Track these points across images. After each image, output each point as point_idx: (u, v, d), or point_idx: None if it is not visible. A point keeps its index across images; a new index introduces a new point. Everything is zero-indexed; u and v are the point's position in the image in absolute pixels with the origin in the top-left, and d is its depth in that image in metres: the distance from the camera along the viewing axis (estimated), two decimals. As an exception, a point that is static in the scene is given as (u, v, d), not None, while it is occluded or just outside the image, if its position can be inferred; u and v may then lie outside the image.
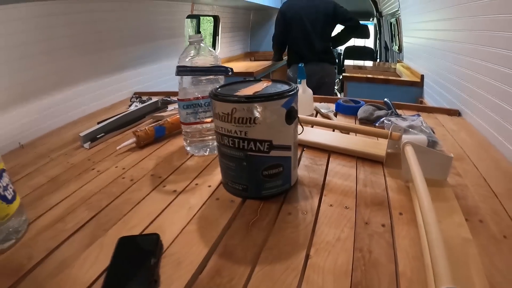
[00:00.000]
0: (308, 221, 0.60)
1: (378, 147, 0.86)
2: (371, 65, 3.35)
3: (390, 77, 2.40)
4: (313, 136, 0.93)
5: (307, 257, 0.51)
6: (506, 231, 0.56)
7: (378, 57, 5.97)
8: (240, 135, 0.62)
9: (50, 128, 1.42)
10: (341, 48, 6.28)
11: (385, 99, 1.24)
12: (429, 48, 2.08)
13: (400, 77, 2.56)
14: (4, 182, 0.61)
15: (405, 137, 0.84)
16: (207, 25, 3.95)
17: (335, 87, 4.06)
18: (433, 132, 0.97)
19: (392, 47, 4.22)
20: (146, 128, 1.08)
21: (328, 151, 0.89)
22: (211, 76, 0.88)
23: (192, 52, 0.88)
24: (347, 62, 3.65)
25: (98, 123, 1.30)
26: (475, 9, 1.23)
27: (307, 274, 0.48)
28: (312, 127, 1.05)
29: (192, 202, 0.70)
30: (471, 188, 0.71)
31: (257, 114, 0.59)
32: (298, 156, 0.86)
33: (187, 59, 0.87)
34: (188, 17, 2.90)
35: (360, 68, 3.13)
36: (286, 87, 0.66)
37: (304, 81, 1.19)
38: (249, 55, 4.63)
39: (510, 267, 0.48)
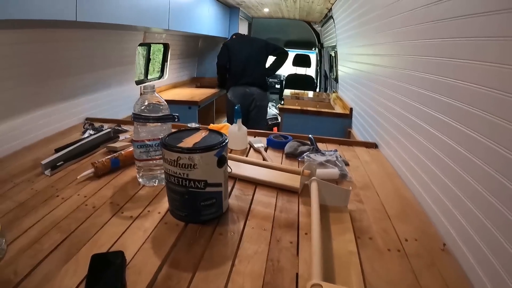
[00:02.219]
0: (234, 239, 0.83)
1: (296, 180, 1.08)
2: (310, 95, 3.64)
3: (322, 109, 2.68)
4: (243, 170, 1.15)
5: (232, 265, 0.73)
6: (390, 245, 0.81)
7: (318, 85, 6.34)
8: (183, 176, 0.83)
9: (7, 152, 1.51)
10: (284, 75, 6.59)
11: (309, 136, 1.46)
12: (357, 80, 2.34)
13: (333, 108, 2.85)
14: None
15: (319, 171, 1.09)
16: (157, 52, 4.09)
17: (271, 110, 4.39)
18: (347, 165, 1.22)
19: (330, 76, 4.58)
20: (103, 160, 1.25)
21: (255, 183, 1.12)
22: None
23: (146, 101, 1.08)
24: (286, 91, 3.93)
25: (56, 150, 1.44)
26: (392, 47, 1.46)
27: (232, 277, 0.70)
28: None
29: (146, 226, 0.90)
30: (369, 212, 0.95)
31: (196, 161, 0.81)
32: (230, 187, 1.08)
33: (142, 107, 1.07)
34: (140, 45, 3.05)
35: (297, 98, 3.43)
36: (218, 138, 0.88)
37: (239, 120, 1.41)
38: (195, 81, 4.80)
39: (387, 271, 0.72)
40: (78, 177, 1.20)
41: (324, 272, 0.63)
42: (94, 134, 1.65)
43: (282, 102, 3.41)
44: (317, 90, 5.94)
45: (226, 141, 0.87)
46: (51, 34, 1.79)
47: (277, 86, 6.37)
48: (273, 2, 4.30)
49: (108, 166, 1.25)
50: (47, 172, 1.27)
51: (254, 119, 3.30)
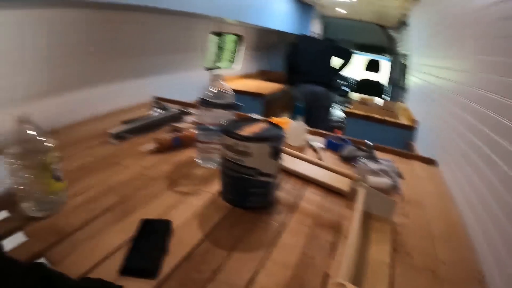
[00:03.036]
0: (275, 229, 0.86)
1: (346, 183, 1.09)
2: (378, 102, 3.58)
3: (386, 118, 2.62)
4: (297, 166, 1.17)
5: (268, 252, 0.77)
6: (426, 264, 0.79)
7: (388, 93, 6.13)
8: (238, 162, 0.88)
9: (79, 119, 1.66)
10: (355, 79, 6.48)
11: (367, 142, 1.44)
12: (426, 93, 2.27)
13: (397, 118, 2.79)
14: (58, 166, 0.86)
15: (370, 178, 1.09)
16: (229, 42, 4.18)
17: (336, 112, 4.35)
18: (400, 177, 1.20)
19: (400, 85, 4.46)
20: (167, 137, 1.33)
21: (306, 180, 1.14)
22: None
23: (213, 88, 1.13)
24: (355, 95, 3.89)
25: (123, 122, 1.55)
26: (470, 63, 1.37)
27: (265, 263, 0.73)
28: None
29: (195, 203, 0.96)
30: (412, 228, 0.93)
31: (251, 150, 0.85)
32: (282, 181, 1.11)
33: (208, 93, 1.12)
34: (213, 33, 3.16)
35: (364, 103, 3.39)
36: (276, 131, 0.92)
37: (300, 117, 1.43)
38: (264, 74, 4.87)
39: (414, 284, 0.73)
40: (140, 149, 1.29)
41: (352, 275, 0.64)
42: (161, 112, 1.75)
43: (349, 106, 3.40)
44: (386, 98, 5.75)
45: (283, 135, 0.90)
46: (129, 17, 1.94)
47: (347, 89, 6.25)
48: (348, 4, 4.25)
49: (170, 144, 1.33)
50: (114, 141, 1.38)
51: (316, 118, 3.24)
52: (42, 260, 0.69)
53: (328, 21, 6.11)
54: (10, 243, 0.73)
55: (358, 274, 0.71)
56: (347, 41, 5.23)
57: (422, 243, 0.87)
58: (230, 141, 0.87)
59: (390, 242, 0.84)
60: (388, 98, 5.48)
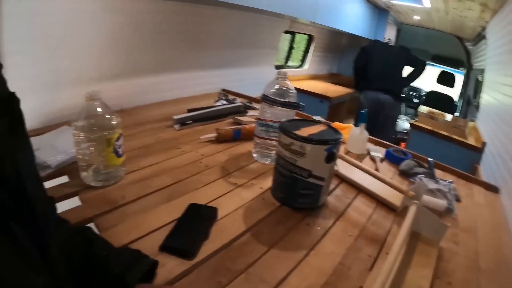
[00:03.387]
0: (318, 233, 0.84)
1: (399, 198, 1.04)
2: (447, 118, 3.39)
3: (453, 136, 2.46)
4: (351, 173, 1.14)
5: (306, 255, 0.75)
6: None
7: (459, 109, 5.75)
8: (291, 161, 0.87)
9: (147, 102, 1.77)
10: (425, 91, 6.17)
11: (429, 159, 1.37)
12: (499, 114, 2.11)
13: (466, 137, 2.63)
14: (120, 142, 0.92)
15: (425, 197, 1.04)
16: (301, 42, 4.18)
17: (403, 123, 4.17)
18: (458, 201, 1.13)
19: (473, 103, 4.19)
20: (227, 128, 1.36)
21: (359, 189, 1.11)
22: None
23: (276, 85, 1.14)
24: (423, 108, 3.72)
25: (188, 110, 1.61)
26: None
27: (301, 265, 0.72)
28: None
29: (245, 195, 0.97)
30: (459, 256, 0.85)
31: (306, 151, 0.84)
32: (334, 186, 1.09)
33: (271, 90, 1.13)
34: (285, 32, 3.17)
35: (432, 117, 3.22)
36: (333, 135, 0.90)
37: (363, 125, 1.39)
38: (333, 77, 4.80)
39: None
40: (201, 137, 1.33)
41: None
42: (226, 104, 1.79)
43: (416, 118, 3.25)
44: (457, 114, 5.38)
45: (340, 139, 0.88)
46: (208, 10, 2.03)
47: (416, 100, 5.95)
48: (424, 10, 4.05)
49: (230, 135, 1.36)
50: (176, 126, 1.44)
51: (380, 128, 3.17)
52: (90, 225, 0.74)
53: (402, 28, 5.84)
54: (65, 205, 0.79)
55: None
56: (421, 51, 4.97)
57: (467, 274, 0.80)
58: (287, 139, 0.87)
59: (433, 268, 0.78)
60: (459, 115, 5.14)
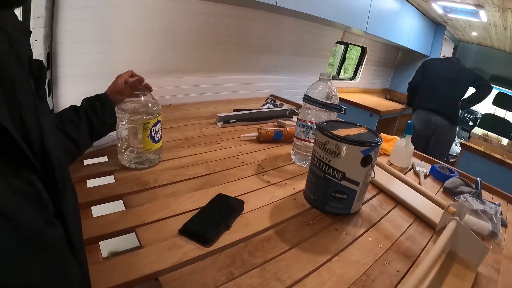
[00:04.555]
0: (346, 240, 0.79)
1: (440, 215, 0.97)
2: (503, 142, 3.15)
3: (506, 160, 2.29)
4: (390, 185, 1.08)
5: (328, 260, 0.71)
6: None
7: None
8: (325, 161, 0.84)
9: (195, 100, 1.84)
10: (480, 113, 5.82)
11: (477, 179, 1.28)
12: None
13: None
14: (157, 129, 0.95)
15: (468, 217, 0.96)
16: (353, 53, 4.10)
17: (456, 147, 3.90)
18: (504, 225, 1.04)
19: None
20: (269, 129, 1.35)
21: (398, 202, 1.05)
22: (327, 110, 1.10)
23: (320, 87, 1.11)
24: (478, 130, 3.50)
25: (234, 110, 1.62)
26: None
27: (320, 270, 0.68)
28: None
29: (276, 193, 0.95)
30: (499, 286, 0.76)
31: (341, 151, 0.81)
32: (371, 196, 1.04)
33: (315, 91, 1.11)
34: (338, 42, 3.13)
35: (485, 140, 3.02)
36: (372, 138, 0.85)
37: (409, 136, 1.32)
38: (386, 92, 4.64)
39: None
40: (242, 136, 1.33)
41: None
42: (272, 108, 1.78)
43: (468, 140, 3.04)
44: None
45: (379, 143, 0.84)
46: (266, 16, 2.07)
47: (471, 124, 5.60)
48: (482, 26, 3.80)
49: (271, 136, 1.35)
50: (219, 124, 1.47)
51: (432, 151, 2.92)
52: (119, 202, 0.78)
53: (460, 45, 5.51)
54: (100, 181, 0.82)
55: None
56: (479, 70, 4.66)
57: None
58: (322, 137, 0.84)
59: None
60: None
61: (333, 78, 3.37)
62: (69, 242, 0.40)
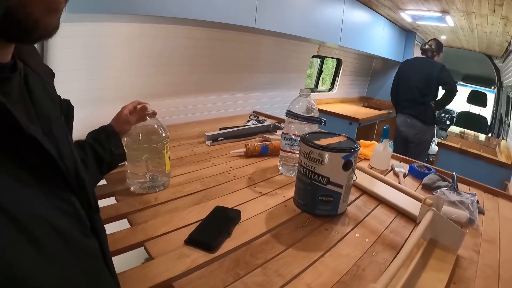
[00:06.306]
0: (335, 237, 0.88)
1: (418, 208, 1.05)
2: (480, 138, 3.30)
3: (482, 154, 2.43)
4: (372, 185, 1.17)
5: (321, 256, 0.79)
6: None
7: (492, 128, 5.46)
8: (310, 168, 0.93)
9: (183, 121, 1.93)
10: (456, 112, 6.02)
11: (453, 173, 1.37)
12: None
13: (495, 155, 2.57)
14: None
15: (446, 208, 1.05)
16: (330, 63, 4.22)
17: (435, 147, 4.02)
18: (481, 213, 1.13)
19: (505, 121, 4.04)
20: (255, 144, 1.43)
21: (380, 201, 1.14)
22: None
23: (300, 102, 1.21)
24: (454, 129, 3.64)
25: (221, 129, 1.70)
26: None
27: (315, 264, 0.76)
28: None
29: (268, 202, 1.03)
30: (479, 265, 0.85)
31: (324, 158, 0.90)
32: (355, 197, 1.13)
33: (296, 106, 1.20)
34: (314, 57, 3.26)
35: (462, 137, 3.16)
36: (351, 145, 0.95)
37: (386, 140, 1.42)
38: (364, 100, 4.80)
39: None
40: (230, 152, 1.41)
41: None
42: (256, 124, 1.87)
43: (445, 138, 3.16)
44: (490, 134, 5.16)
45: (357, 148, 0.93)
46: (242, 36, 2.18)
47: (448, 122, 5.80)
48: (450, 30, 3.97)
49: (258, 150, 1.43)
50: (208, 142, 1.54)
51: (412, 153, 3.08)
52: (123, 221, 0.85)
53: None
54: (102, 203, 0.89)
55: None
56: (453, 72, 4.87)
57: (486, 282, 0.79)
58: (307, 148, 0.93)
59: (449, 273, 0.79)
60: (491, 134, 4.96)
61: (312, 90, 3.48)
62: (103, 253, 0.47)
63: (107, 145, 0.88)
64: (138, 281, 0.64)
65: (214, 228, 0.82)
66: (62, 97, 0.52)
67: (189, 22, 1.67)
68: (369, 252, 0.84)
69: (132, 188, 1.01)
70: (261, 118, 2.12)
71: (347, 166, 0.92)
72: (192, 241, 0.77)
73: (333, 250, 0.83)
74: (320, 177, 0.92)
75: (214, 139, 1.56)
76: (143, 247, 0.77)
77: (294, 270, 0.73)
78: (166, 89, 1.86)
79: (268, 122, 1.98)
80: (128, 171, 1.01)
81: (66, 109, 0.51)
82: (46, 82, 0.47)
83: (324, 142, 0.94)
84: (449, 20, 3.45)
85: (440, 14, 3.29)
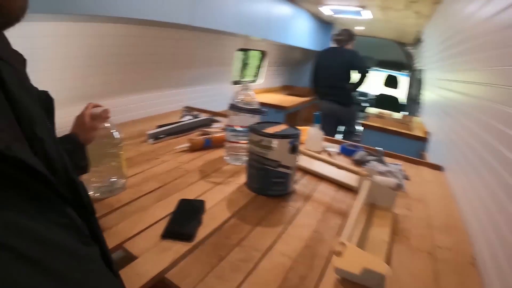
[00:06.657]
0: (292, 212, 1.01)
1: (355, 179, 1.21)
2: (395, 116, 3.64)
3: (401, 130, 2.72)
4: (312, 166, 1.32)
5: (285, 228, 0.91)
6: (422, 247, 0.89)
7: (406, 108, 6.11)
8: (262, 155, 1.03)
9: (119, 121, 1.92)
10: (373, 95, 6.54)
11: (378, 148, 1.58)
12: (438, 107, 2.37)
13: (411, 130, 2.88)
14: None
15: (379, 178, 1.22)
16: (254, 58, 4.36)
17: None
18: (406, 179, 1.33)
19: (417, 100, 4.52)
20: (199, 138, 1.50)
21: (321, 178, 1.28)
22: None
23: (241, 96, 1.30)
24: (373, 110, 3.97)
25: (158, 126, 1.73)
26: (478, 75, 1.35)
27: (282, 236, 0.88)
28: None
29: (225, 190, 1.12)
30: (413, 219, 1.04)
31: (273, 145, 1.01)
32: (299, 178, 1.27)
33: (237, 100, 1.29)
34: (239, 50, 3.37)
35: (381, 117, 3.48)
36: (294, 131, 1.07)
37: (317, 125, 1.58)
38: (287, 88, 5.07)
39: (411, 264, 0.82)
40: (175, 148, 1.46)
41: (354, 242, 0.78)
42: (194, 119, 1.93)
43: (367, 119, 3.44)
44: (404, 112, 5.70)
45: (299, 134, 1.06)
46: (168, 33, 2.21)
47: (365, 104, 6.30)
48: (367, 22, 4.37)
49: (201, 144, 1.50)
50: (151, 141, 1.56)
51: (346, 131, 3.46)
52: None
53: None
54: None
55: (359, 246, 0.83)
56: (369, 58, 5.30)
57: (421, 231, 0.98)
58: (256, 137, 1.03)
59: (391, 226, 0.96)
60: (406, 113, 5.50)
61: (238, 82, 3.58)
62: (105, 258, 0.44)
63: (73, 157, 0.80)
64: (132, 281, 0.68)
65: (186, 219, 0.89)
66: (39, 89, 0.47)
67: (121, 20, 1.67)
68: (323, 220, 0.98)
69: (92, 194, 1.01)
70: (194, 112, 2.17)
71: (294, 149, 1.04)
72: (170, 233, 0.82)
73: (293, 222, 0.95)
74: (271, 161, 1.03)
75: (156, 137, 1.59)
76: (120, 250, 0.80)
77: (267, 243, 0.84)
78: (98, 90, 1.84)
79: (203, 116, 2.04)
80: (85, 178, 1.01)
81: (46, 102, 0.45)
82: (20, 74, 0.41)
83: (270, 130, 1.05)
84: (367, 14, 3.77)
85: (358, 9, 3.58)
